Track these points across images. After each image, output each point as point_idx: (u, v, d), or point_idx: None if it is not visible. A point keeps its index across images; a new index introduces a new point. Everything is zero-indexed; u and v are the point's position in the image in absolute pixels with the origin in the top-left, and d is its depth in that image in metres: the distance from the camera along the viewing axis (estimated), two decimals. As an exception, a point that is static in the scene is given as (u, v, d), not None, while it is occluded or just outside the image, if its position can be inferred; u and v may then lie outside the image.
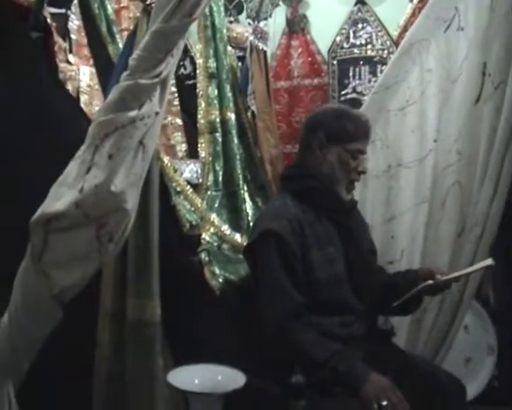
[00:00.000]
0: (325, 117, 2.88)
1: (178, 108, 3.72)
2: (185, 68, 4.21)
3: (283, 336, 2.55)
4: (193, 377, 2.16)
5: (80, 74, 3.77)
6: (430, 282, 2.74)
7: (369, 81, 4.58)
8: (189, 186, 3.22)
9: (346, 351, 2.54)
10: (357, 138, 2.79)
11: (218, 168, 3.56)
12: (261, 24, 4.07)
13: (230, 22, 4.32)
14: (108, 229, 1.97)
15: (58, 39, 3.68)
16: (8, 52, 2.71)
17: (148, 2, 2.84)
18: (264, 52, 4.08)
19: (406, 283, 2.85)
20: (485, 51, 3.32)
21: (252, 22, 4.09)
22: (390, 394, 2.38)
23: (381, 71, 4.43)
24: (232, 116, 3.70)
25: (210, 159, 3.55)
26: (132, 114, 1.95)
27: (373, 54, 4.60)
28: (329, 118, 2.85)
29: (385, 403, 2.34)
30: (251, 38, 3.98)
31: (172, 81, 3.48)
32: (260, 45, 4.01)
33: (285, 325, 2.55)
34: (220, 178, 3.57)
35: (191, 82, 3.95)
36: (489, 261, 2.80)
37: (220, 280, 2.91)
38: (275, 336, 2.57)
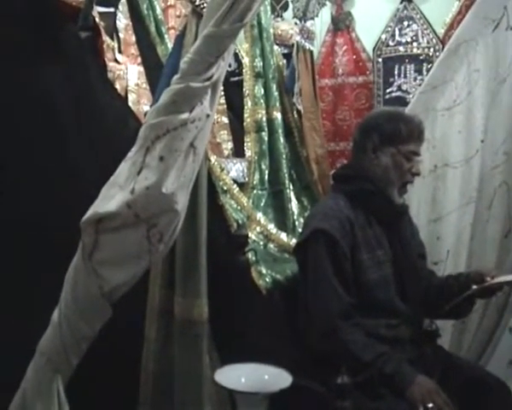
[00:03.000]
0: (379, 119, 2.88)
1: (225, 106, 3.72)
2: (230, 66, 4.22)
3: (332, 335, 2.56)
4: (239, 376, 2.16)
5: (128, 73, 3.80)
6: (483, 284, 2.73)
7: (415, 79, 4.56)
8: (235, 185, 3.23)
9: (392, 353, 2.54)
10: (410, 140, 2.78)
11: (264, 167, 3.57)
12: (308, 23, 4.08)
13: (275, 19, 4.32)
14: (159, 229, 2.00)
15: (106, 38, 3.71)
16: (58, 52, 2.75)
17: (196, 4, 2.85)
18: (311, 52, 4.09)
19: (459, 286, 2.83)
20: (535, 51, 3.29)
21: (298, 22, 4.09)
22: (436, 396, 2.38)
23: (427, 69, 4.41)
24: (278, 115, 3.70)
25: (256, 158, 3.56)
26: (184, 116, 1.97)
27: (418, 52, 4.58)
28: (383, 120, 2.84)
29: (431, 405, 2.35)
30: (297, 37, 3.99)
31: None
32: (307, 45, 4.02)
33: (334, 325, 2.55)
34: (266, 177, 3.57)
35: (236, 79, 3.95)
36: None
37: (267, 280, 2.92)
38: (323, 336, 2.59)
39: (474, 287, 2.72)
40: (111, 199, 1.98)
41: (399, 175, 2.79)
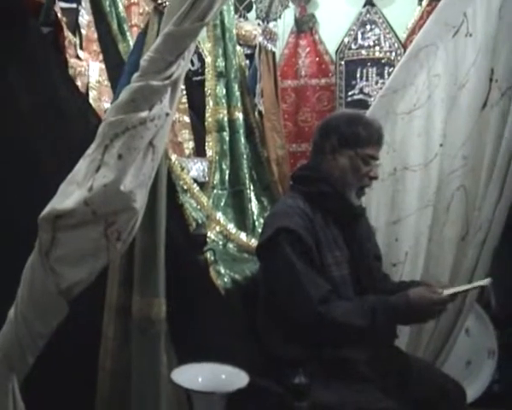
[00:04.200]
0: (339, 121, 2.89)
1: (186, 105, 3.72)
2: (193, 64, 4.21)
3: (316, 321, 2.57)
4: (196, 375, 2.16)
5: (90, 70, 3.78)
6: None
7: (377, 83, 4.60)
8: (195, 184, 3.23)
9: (372, 302, 2.61)
10: (369, 144, 2.80)
11: (224, 167, 3.58)
12: (270, 25, 4.10)
13: (239, 19, 4.33)
14: (117, 227, 1.99)
15: (68, 34, 3.68)
16: (19, 47, 2.73)
17: (159, 2, 2.84)
18: (273, 53, 4.11)
19: None
20: (493, 58, 3.33)
21: (261, 23, 4.11)
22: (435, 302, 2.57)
23: (389, 73, 4.46)
24: (240, 116, 3.71)
25: (217, 158, 3.56)
26: (143, 114, 1.96)
27: (381, 55, 4.63)
28: (343, 122, 2.86)
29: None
30: (260, 38, 4.00)
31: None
32: (269, 46, 4.04)
33: (316, 311, 2.56)
34: (227, 177, 3.58)
35: (199, 78, 3.94)
36: (486, 282, 2.82)
37: (225, 280, 2.92)
38: (311, 322, 2.59)
39: None
40: (69, 196, 1.97)
41: (357, 178, 2.81)
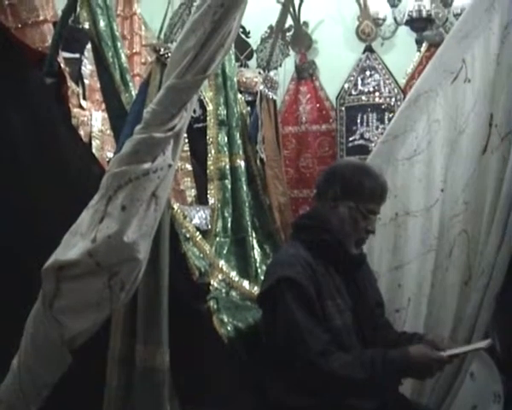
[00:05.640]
0: (344, 170, 2.90)
1: (188, 153, 3.75)
2: (194, 112, 4.24)
3: (315, 373, 2.56)
4: (200, 424, 2.17)
5: (92, 119, 3.81)
6: None
7: (377, 128, 4.63)
8: (198, 232, 3.23)
9: (373, 355, 2.60)
10: (371, 199, 2.81)
11: (227, 215, 3.58)
12: (271, 73, 4.13)
13: (240, 66, 4.37)
14: (120, 278, 2.00)
15: (71, 84, 3.72)
16: (23, 98, 2.76)
17: (161, 53, 2.88)
18: (274, 101, 4.13)
19: None
20: (492, 103, 3.36)
21: (262, 71, 4.14)
22: (434, 359, 2.57)
23: (389, 118, 4.49)
24: (242, 163, 3.72)
25: (219, 205, 3.56)
26: (146, 166, 1.98)
27: (380, 101, 4.66)
28: (348, 172, 2.87)
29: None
30: (261, 87, 4.02)
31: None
32: (270, 94, 4.06)
33: (316, 362, 2.55)
34: (229, 225, 3.57)
35: (200, 125, 3.97)
36: (486, 343, 2.85)
37: (229, 328, 2.91)
38: (310, 374, 2.58)
39: None
40: (72, 247, 1.98)
41: (354, 230, 2.81)
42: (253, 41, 4.64)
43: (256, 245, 3.66)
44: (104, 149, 3.78)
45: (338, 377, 2.53)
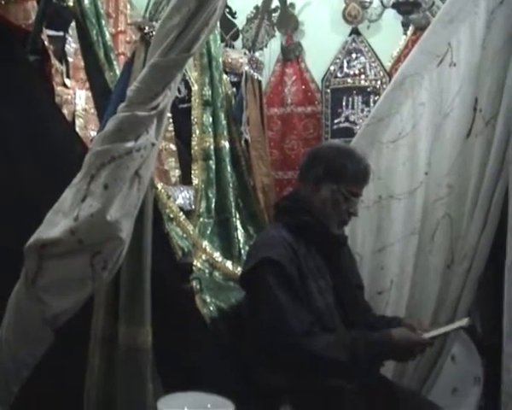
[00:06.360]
0: (328, 152, 2.92)
1: (172, 133, 3.72)
2: (180, 92, 4.22)
3: (298, 354, 2.57)
4: (182, 404, 2.15)
5: (76, 98, 3.77)
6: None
7: (362, 111, 4.61)
8: (181, 213, 3.23)
9: (355, 337, 2.61)
10: (354, 181, 2.82)
11: (210, 195, 3.58)
12: (257, 54, 4.12)
13: (225, 47, 4.34)
14: (103, 257, 2.00)
15: (55, 62, 3.68)
16: (6, 75, 2.73)
17: (145, 31, 2.86)
18: (259, 82, 4.13)
19: None
20: (477, 87, 3.36)
21: (247, 52, 4.13)
22: (417, 343, 2.60)
23: (374, 101, 4.47)
24: (226, 144, 3.72)
25: (203, 186, 3.56)
26: (129, 145, 1.97)
27: (366, 84, 4.64)
28: (332, 154, 2.88)
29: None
30: (246, 67, 4.01)
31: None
32: (255, 75, 4.06)
33: (299, 343, 2.56)
34: (213, 206, 3.58)
35: (185, 106, 3.95)
36: (466, 322, 2.86)
37: (211, 308, 2.91)
38: (293, 354, 2.59)
39: None
40: (55, 225, 1.97)
41: (336, 213, 2.82)
42: (239, 21, 4.60)
43: (239, 226, 3.66)
44: (88, 127, 3.75)
45: (321, 358, 2.55)
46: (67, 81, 3.88)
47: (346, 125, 4.65)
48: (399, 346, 2.57)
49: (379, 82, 4.59)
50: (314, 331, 2.60)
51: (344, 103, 4.68)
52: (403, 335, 2.59)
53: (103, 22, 3.02)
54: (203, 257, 3.25)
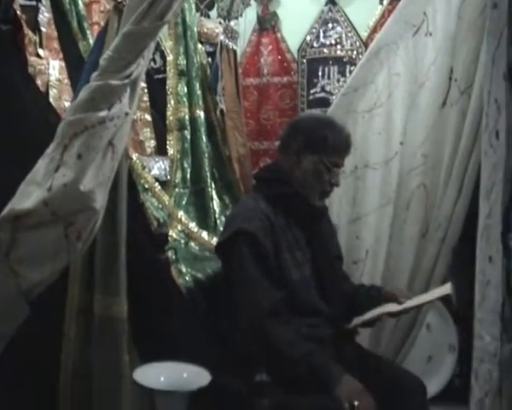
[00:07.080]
0: (309, 123, 2.90)
1: (148, 103, 3.70)
2: (155, 62, 4.19)
3: (259, 332, 2.56)
4: (158, 374, 2.17)
5: (50, 68, 3.73)
6: (391, 310, 2.81)
7: (338, 81, 4.62)
8: (157, 183, 3.22)
9: (321, 351, 2.56)
10: (335, 151, 2.80)
11: (186, 166, 3.57)
12: (232, 23, 4.10)
13: (201, 16, 4.32)
14: (77, 227, 1.98)
15: (28, 32, 3.63)
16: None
17: (119, 1, 2.84)
18: (234, 51, 4.12)
19: (369, 301, 2.89)
20: (453, 57, 3.37)
21: (222, 21, 4.11)
22: (362, 396, 2.40)
23: (350, 71, 4.49)
24: (201, 114, 3.72)
25: (178, 156, 3.56)
26: (102, 114, 1.96)
27: (342, 54, 4.65)
28: (312, 125, 2.86)
29: (356, 403, 2.37)
30: (221, 37, 4.00)
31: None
32: (230, 44, 4.04)
33: (262, 322, 2.55)
34: (188, 176, 3.58)
35: (160, 76, 3.92)
36: (449, 288, 2.88)
37: (187, 278, 2.92)
38: (250, 332, 2.59)
39: (391, 310, 2.80)
40: (28, 196, 1.96)
41: (318, 184, 2.81)
42: (215, -10, 4.58)
43: (215, 196, 3.67)
44: (62, 98, 3.71)
45: (276, 343, 2.53)
46: (41, 51, 3.83)
47: (322, 95, 4.66)
48: (345, 390, 2.43)
49: (355, 52, 4.60)
50: (280, 312, 2.59)
51: (320, 73, 4.68)
52: (352, 387, 2.45)
53: (77, -9, 2.99)
54: (179, 227, 3.25)
